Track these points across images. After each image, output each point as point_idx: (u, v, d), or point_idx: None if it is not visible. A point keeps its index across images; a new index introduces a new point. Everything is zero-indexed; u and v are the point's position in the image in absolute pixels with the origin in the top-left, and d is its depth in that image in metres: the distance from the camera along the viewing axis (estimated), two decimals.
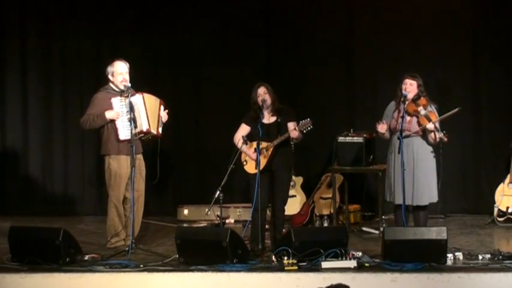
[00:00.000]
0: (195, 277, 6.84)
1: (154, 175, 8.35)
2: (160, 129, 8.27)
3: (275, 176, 7.98)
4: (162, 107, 8.31)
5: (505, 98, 10.17)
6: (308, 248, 7.02)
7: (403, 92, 7.95)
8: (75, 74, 10.84)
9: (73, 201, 10.85)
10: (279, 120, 8.02)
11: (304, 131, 7.95)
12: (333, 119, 10.27)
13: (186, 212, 10.25)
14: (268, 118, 8.03)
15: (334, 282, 4.45)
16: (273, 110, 8.02)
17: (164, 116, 8.33)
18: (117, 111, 8.04)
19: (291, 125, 8.01)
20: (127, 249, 7.64)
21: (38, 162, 10.92)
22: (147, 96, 8.18)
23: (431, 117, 7.84)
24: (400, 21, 10.30)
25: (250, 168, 7.97)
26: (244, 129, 8.13)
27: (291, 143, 8.62)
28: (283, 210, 8.11)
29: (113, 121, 8.06)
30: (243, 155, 7.99)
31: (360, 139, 9.20)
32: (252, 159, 7.91)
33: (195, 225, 9.59)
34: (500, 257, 7.12)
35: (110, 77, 8.21)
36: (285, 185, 8.13)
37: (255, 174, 7.82)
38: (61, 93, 10.88)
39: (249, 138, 8.00)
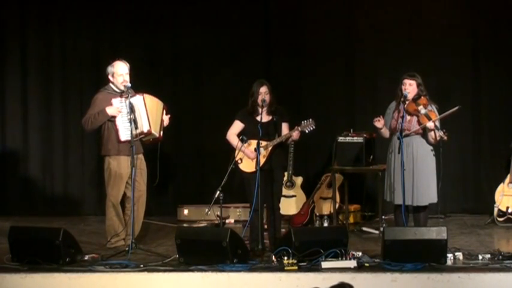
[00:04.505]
0: (195, 277, 6.84)
1: (155, 177, 8.35)
2: (161, 133, 8.28)
3: (272, 175, 7.97)
4: (164, 111, 8.32)
5: (505, 98, 10.18)
6: (308, 248, 7.02)
7: (403, 92, 7.95)
8: (75, 74, 10.85)
9: (73, 201, 10.86)
10: (274, 119, 8.02)
11: (307, 131, 7.94)
12: (333, 119, 10.27)
13: (186, 212, 10.25)
14: (265, 117, 8.02)
15: (334, 282, 4.44)
16: (270, 109, 8.02)
17: (166, 120, 8.34)
18: (118, 106, 8.04)
19: (284, 126, 8.03)
20: (127, 249, 7.64)
21: (38, 162, 10.93)
22: (148, 97, 8.18)
23: (431, 116, 7.84)
24: (400, 21, 10.31)
25: (245, 166, 7.95)
26: (237, 126, 8.11)
27: (291, 143, 8.62)
28: (279, 209, 8.12)
29: (114, 118, 8.05)
30: (239, 154, 7.96)
31: (360, 139, 9.20)
32: (249, 158, 7.91)
33: (195, 225, 9.59)
34: (500, 257, 7.12)
35: (110, 77, 8.21)
36: (280, 185, 8.19)
37: (251, 173, 7.83)
38: (61, 93, 10.89)
39: (244, 136, 8.00)
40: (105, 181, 8.24)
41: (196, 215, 10.06)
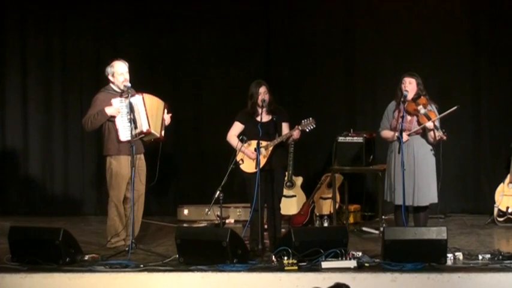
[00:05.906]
0: (195, 277, 6.85)
1: (154, 176, 8.34)
2: (163, 132, 8.27)
3: (273, 175, 7.97)
4: (165, 110, 8.32)
5: (505, 99, 10.18)
6: (308, 248, 7.02)
7: (403, 91, 7.95)
8: (75, 74, 10.85)
9: (73, 201, 10.85)
10: (274, 119, 8.02)
11: (307, 130, 7.95)
12: (333, 119, 10.27)
13: (186, 212, 10.25)
14: (264, 117, 8.02)
15: (334, 282, 4.45)
16: (269, 109, 8.02)
17: (167, 119, 8.34)
18: (117, 107, 8.04)
19: (285, 126, 8.03)
20: (127, 249, 7.64)
21: (38, 162, 10.93)
22: (147, 96, 8.17)
23: (430, 116, 7.85)
24: (400, 21, 10.30)
25: (247, 167, 7.95)
26: (238, 128, 8.12)
27: (291, 143, 8.61)
28: (280, 209, 8.13)
29: (113, 118, 8.05)
30: (239, 154, 7.96)
31: (360, 139, 9.20)
32: (250, 158, 7.91)
33: (195, 225, 9.59)
34: (500, 257, 7.12)
35: (110, 77, 8.21)
36: (281, 185, 8.21)
37: (252, 173, 7.83)
38: (61, 93, 10.89)
39: (244, 136, 8.00)
40: (107, 181, 8.24)
41: (196, 215, 10.06)
